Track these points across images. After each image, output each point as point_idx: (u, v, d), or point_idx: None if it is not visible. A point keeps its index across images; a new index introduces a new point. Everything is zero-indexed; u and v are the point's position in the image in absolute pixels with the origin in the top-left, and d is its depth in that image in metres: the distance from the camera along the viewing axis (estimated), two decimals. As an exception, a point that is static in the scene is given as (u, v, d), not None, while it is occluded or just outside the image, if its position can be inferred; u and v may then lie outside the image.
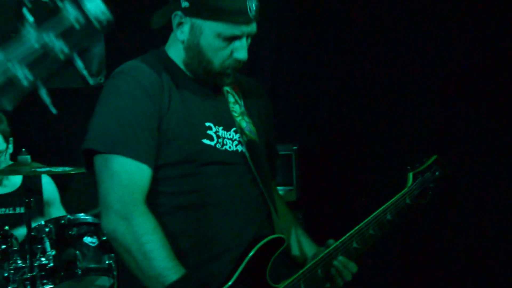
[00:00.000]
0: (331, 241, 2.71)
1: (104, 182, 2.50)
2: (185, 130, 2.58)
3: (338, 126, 5.12)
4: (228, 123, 2.70)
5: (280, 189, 4.66)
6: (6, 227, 3.91)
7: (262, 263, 2.58)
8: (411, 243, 4.63)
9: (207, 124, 2.63)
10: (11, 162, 4.49)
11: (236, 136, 2.70)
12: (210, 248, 2.59)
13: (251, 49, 2.64)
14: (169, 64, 2.66)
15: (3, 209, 4.54)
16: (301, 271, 2.65)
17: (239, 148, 2.70)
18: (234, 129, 2.71)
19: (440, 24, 4.39)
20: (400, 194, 2.84)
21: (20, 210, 4.46)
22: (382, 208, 2.78)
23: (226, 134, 2.68)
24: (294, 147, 4.91)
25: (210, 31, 2.55)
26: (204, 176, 2.60)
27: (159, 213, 2.51)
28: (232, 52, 2.58)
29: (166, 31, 2.71)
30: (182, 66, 2.67)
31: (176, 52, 2.68)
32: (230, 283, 2.50)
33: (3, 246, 3.80)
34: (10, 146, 4.54)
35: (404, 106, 4.63)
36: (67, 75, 5.33)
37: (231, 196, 2.64)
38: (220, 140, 2.64)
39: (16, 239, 3.86)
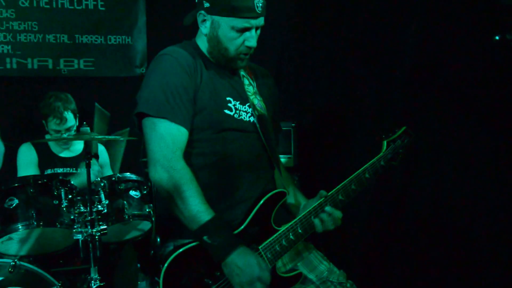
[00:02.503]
0: (323, 192, 2.76)
1: (152, 141, 2.56)
2: (212, 102, 2.65)
3: (328, 107, 5.15)
4: (243, 99, 2.77)
5: (282, 157, 4.85)
6: (72, 181, 3.97)
7: (268, 211, 2.68)
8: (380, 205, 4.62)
9: (228, 98, 2.70)
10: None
11: (250, 110, 2.77)
12: (228, 199, 2.66)
13: (259, 43, 2.72)
14: (198, 51, 2.74)
15: (69, 169, 4.65)
16: (297, 218, 2.70)
17: (252, 119, 2.76)
18: (248, 104, 2.78)
19: (409, 21, 4.36)
20: (376, 157, 2.88)
21: (78, 170, 4.56)
22: (361, 168, 2.83)
23: (242, 108, 2.74)
24: (293, 124, 5.01)
25: (226, 25, 2.65)
26: (224, 140, 2.66)
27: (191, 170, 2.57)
28: (244, 41, 2.66)
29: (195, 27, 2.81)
30: (207, 54, 2.74)
31: (202, 43, 2.76)
32: (242, 226, 2.61)
33: (70, 196, 3.88)
34: (77, 121, 4.63)
35: (380, 90, 4.63)
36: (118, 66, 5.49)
37: (245, 158, 2.70)
38: (237, 112, 2.71)
39: (75, 188, 3.94)
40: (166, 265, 2.47)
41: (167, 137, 2.54)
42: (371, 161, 2.87)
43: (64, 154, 4.74)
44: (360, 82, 4.82)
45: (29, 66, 5.26)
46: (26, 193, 3.76)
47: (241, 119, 2.72)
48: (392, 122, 4.22)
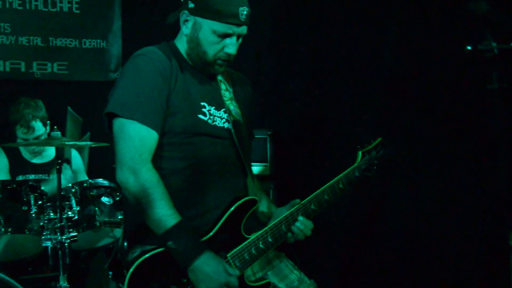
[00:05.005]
0: (295, 201, 2.73)
1: (120, 142, 2.51)
2: (185, 106, 2.59)
3: (305, 115, 5.08)
4: (219, 104, 2.71)
5: (257, 165, 4.85)
6: (43, 187, 3.93)
7: (238, 218, 2.61)
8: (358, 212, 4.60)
9: (202, 103, 2.64)
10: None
11: (225, 116, 2.71)
12: (198, 205, 2.60)
13: (238, 50, 2.66)
14: (176, 53, 2.67)
15: (41, 175, 4.56)
16: (268, 226, 2.66)
17: (226, 125, 2.69)
18: (223, 109, 2.72)
19: (386, 30, 4.36)
20: (350, 168, 2.84)
21: (50, 176, 4.51)
22: (335, 178, 2.79)
23: (217, 113, 2.68)
24: (269, 132, 4.94)
25: (207, 28, 2.58)
26: (196, 145, 2.60)
27: (160, 175, 2.50)
28: (223, 47, 2.60)
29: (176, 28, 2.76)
30: (185, 56, 2.68)
31: (181, 44, 2.69)
32: (211, 233, 2.54)
33: (40, 202, 3.83)
34: (48, 127, 4.55)
35: (356, 100, 4.60)
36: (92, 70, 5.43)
37: (217, 164, 2.64)
38: (211, 117, 2.65)
39: (46, 194, 3.88)
40: (131, 270, 2.42)
41: (135, 139, 2.49)
42: (345, 172, 2.84)
43: (36, 160, 4.67)
44: (338, 90, 4.78)
45: (1, 68, 5.20)
46: None
47: (215, 125, 2.67)
48: (369, 131, 4.23)
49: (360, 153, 2.92)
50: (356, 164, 2.87)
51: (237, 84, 2.91)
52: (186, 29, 2.66)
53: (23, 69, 5.25)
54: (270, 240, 2.65)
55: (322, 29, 4.87)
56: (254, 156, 4.53)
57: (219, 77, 2.80)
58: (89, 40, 5.42)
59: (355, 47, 4.61)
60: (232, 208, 2.60)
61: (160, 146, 2.57)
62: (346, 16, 4.67)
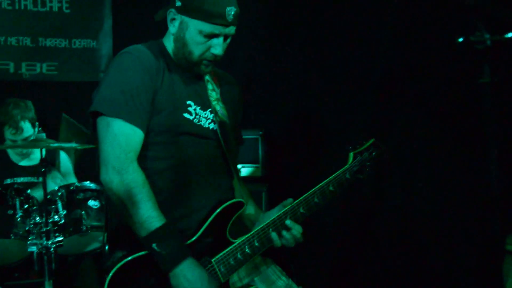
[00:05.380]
0: (289, 199, 2.68)
1: (105, 141, 2.47)
2: (171, 105, 2.56)
3: (297, 116, 5.07)
4: (205, 104, 2.69)
5: (248, 167, 4.82)
6: (28, 191, 3.87)
7: (223, 222, 2.57)
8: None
9: (188, 102, 2.62)
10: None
11: (211, 116, 2.68)
12: (183, 207, 2.57)
13: (229, 52, 2.65)
14: (164, 52, 2.65)
15: (30, 178, 4.50)
16: (254, 230, 2.61)
17: (211, 125, 2.67)
18: (209, 109, 2.69)
19: (380, 33, 4.38)
20: (341, 170, 2.78)
21: (39, 179, 4.38)
22: (325, 181, 2.73)
23: (202, 113, 2.66)
24: (260, 132, 4.89)
25: (193, 27, 2.55)
26: (181, 145, 2.58)
27: (144, 175, 2.47)
28: (210, 47, 2.58)
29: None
30: (172, 55, 2.66)
31: (169, 43, 2.66)
32: (195, 237, 2.50)
33: (26, 206, 3.77)
34: (36, 129, 4.48)
35: (350, 100, 4.61)
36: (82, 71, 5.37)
37: (203, 165, 2.62)
38: (197, 117, 2.63)
39: (36, 200, 3.82)
40: (111, 274, 2.38)
41: (121, 138, 2.46)
42: (335, 173, 2.78)
43: (24, 162, 4.60)
44: (331, 90, 4.78)
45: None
46: None
47: (201, 124, 2.64)
48: (362, 131, 4.21)
49: (351, 154, 2.85)
50: (347, 166, 2.81)
51: (225, 85, 2.88)
52: (173, 28, 2.63)
53: (11, 70, 5.19)
54: (256, 244, 2.59)
55: (314, 29, 4.88)
56: (245, 157, 4.78)
57: (206, 77, 2.77)
58: (79, 40, 5.35)
59: (347, 47, 4.63)
60: (218, 211, 2.56)
61: (144, 146, 2.54)
62: (337, 17, 4.68)
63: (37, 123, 4.51)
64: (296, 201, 2.67)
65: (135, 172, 2.44)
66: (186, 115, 2.60)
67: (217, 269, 2.51)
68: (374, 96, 4.38)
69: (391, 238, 4.28)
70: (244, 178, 4.58)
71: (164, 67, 2.60)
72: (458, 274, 3.95)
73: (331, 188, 2.73)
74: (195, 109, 2.63)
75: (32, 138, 4.44)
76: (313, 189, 2.72)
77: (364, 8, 4.44)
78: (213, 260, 2.52)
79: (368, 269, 4.40)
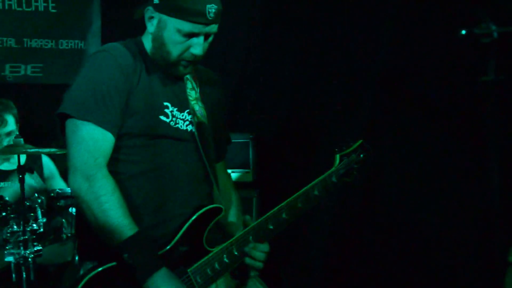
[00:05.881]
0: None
1: (73, 146, 2.40)
2: (146, 106, 2.49)
3: (289, 119, 5.03)
4: (183, 105, 2.61)
5: (238, 172, 4.75)
6: (6, 198, 3.79)
7: (200, 229, 2.49)
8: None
9: (165, 103, 2.54)
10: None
11: (189, 117, 2.61)
12: (158, 214, 2.50)
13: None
14: (142, 51, 2.57)
15: (9, 182, 4.39)
16: (233, 238, 2.54)
17: (189, 128, 2.59)
18: (187, 110, 2.61)
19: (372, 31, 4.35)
20: (327, 173, 2.70)
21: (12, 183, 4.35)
22: (310, 184, 2.65)
23: (179, 115, 2.58)
24: (251, 136, 4.84)
25: (172, 26, 2.47)
26: (157, 148, 2.51)
27: (117, 180, 2.41)
28: (189, 47, 2.50)
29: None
30: (150, 54, 2.58)
31: (147, 42, 2.59)
32: (169, 246, 2.43)
33: (3, 214, 3.69)
34: (18, 128, 4.40)
35: (344, 101, 4.56)
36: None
37: (179, 170, 2.55)
38: (174, 119, 2.55)
39: (10, 205, 3.75)
40: (79, 286, 2.31)
41: (89, 142, 2.39)
42: (321, 177, 2.69)
43: (4, 166, 4.46)
44: (323, 91, 4.72)
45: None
46: None
47: (177, 127, 2.55)
48: (349, 135, 4.16)
49: (338, 156, 2.77)
50: (333, 169, 2.73)
51: (205, 83, 2.78)
52: (151, 26, 2.55)
53: None
54: (235, 253, 2.51)
55: (306, 29, 4.83)
56: (235, 161, 4.67)
57: (186, 75, 2.67)
58: (67, 40, 5.25)
59: (341, 46, 4.56)
60: (193, 218, 2.47)
61: (117, 149, 2.47)
62: (330, 17, 4.65)
63: (19, 123, 4.43)
64: (278, 206, 2.60)
65: (104, 178, 2.37)
66: (162, 117, 2.52)
67: (193, 280, 2.43)
68: (370, 97, 4.34)
69: (389, 246, 4.23)
70: (234, 183, 4.59)
71: (141, 66, 2.53)
72: (460, 285, 3.91)
73: (315, 192, 2.65)
74: (172, 111, 2.56)
75: (15, 134, 4.30)
76: (297, 193, 2.64)
77: (358, 7, 4.42)
78: (189, 270, 2.43)
79: (362, 276, 4.37)
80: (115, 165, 2.45)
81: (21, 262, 3.52)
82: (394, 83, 4.12)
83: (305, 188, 2.64)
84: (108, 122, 2.41)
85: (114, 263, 2.33)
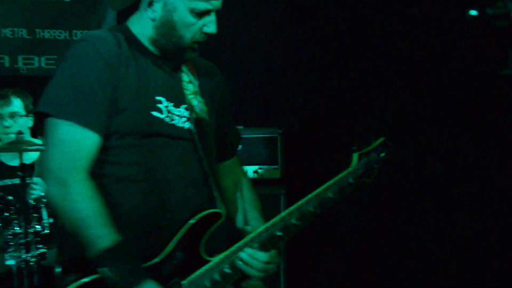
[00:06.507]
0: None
1: (50, 147, 2.26)
2: (137, 101, 2.32)
3: (319, 113, 4.99)
4: (179, 100, 2.43)
5: (265, 168, 4.71)
6: (10, 197, 3.71)
7: (196, 237, 2.34)
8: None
9: (158, 98, 2.36)
10: (31, 138, 4.31)
11: (186, 113, 2.43)
12: (150, 221, 2.33)
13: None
14: (131, 38, 2.39)
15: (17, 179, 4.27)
16: (236, 246, 2.34)
17: (187, 125, 2.41)
18: (184, 106, 2.43)
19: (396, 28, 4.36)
20: (343, 173, 2.48)
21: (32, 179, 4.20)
22: (323, 186, 2.43)
23: (176, 110, 2.40)
24: (279, 130, 4.74)
25: (184, 8, 2.31)
26: (150, 148, 2.34)
27: (104, 183, 2.26)
28: (202, 27, 2.35)
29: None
30: (145, 43, 2.40)
31: (141, 29, 2.40)
32: (161, 256, 2.28)
33: (6, 214, 3.64)
34: (30, 120, 4.36)
35: (375, 96, 4.51)
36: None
37: (174, 172, 2.36)
38: (169, 115, 2.38)
39: (14, 205, 3.70)
40: None
41: (67, 143, 2.23)
42: (336, 178, 2.47)
43: (15, 162, 4.27)
44: (354, 82, 4.65)
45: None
46: None
47: (173, 124, 2.37)
48: (372, 132, 4.12)
49: (356, 155, 2.55)
50: (350, 169, 2.50)
51: (204, 75, 2.59)
52: (152, 13, 2.35)
53: (7, 64, 5.13)
54: (239, 263, 2.32)
55: (336, 19, 4.83)
56: (262, 157, 4.70)
57: (182, 67, 2.50)
58: (81, 31, 5.21)
59: (370, 41, 4.57)
60: (188, 225, 2.31)
61: (104, 150, 2.29)
62: (356, 13, 4.68)
63: (31, 115, 4.36)
64: (286, 211, 2.37)
65: (81, 182, 2.21)
66: (155, 113, 2.34)
67: None
68: (401, 91, 4.32)
69: (412, 248, 4.25)
70: (262, 180, 4.64)
71: (129, 55, 2.35)
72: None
73: (329, 194, 2.43)
74: (166, 106, 2.38)
75: (19, 120, 4.32)
76: (309, 196, 2.42)
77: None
78: (183, 282, 2.29)
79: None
80: (101, 167, 2.29)
81: (23, 266, 3.45)
82: (420, 79, 4.12)
83: (317, 190, 2.44)
84: (91, 120, 2.23)
85: (98, 275, 2.19)
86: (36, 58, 5.16)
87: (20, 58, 5.13)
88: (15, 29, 5.11)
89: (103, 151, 2.28)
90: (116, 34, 2.37)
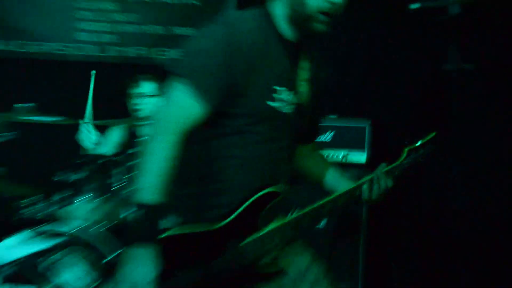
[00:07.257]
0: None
1: (164, 102, 2.34)
2: (255, 90, 2.35)
3: (414, 100, 4.94)
4: (292, 86, 2.45)
5: (353, 153, 4.72)
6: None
7: (255, 211, 2.41)
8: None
9: (274, 87, 2.38)
10: None
11: (294, 99, 2.46)
12: (243, 191, 2.42)
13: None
14: (267, 23, 2.38)
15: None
16: (292, 217, 2.45)
17: (290, 109, 2.45)
18: (293, 91, 2.46)
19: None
20: (389, 167, 2.54)
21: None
22: (360, 181, 2.51)
23: (286, 97, 2.43)
24: (369, 121, 4.76)
25: None
26: (256, 134, 2.41)
27: (209, 154, 2.39)
28: None
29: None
30: (281, 23, 2.40)
31: (278, 8, 2.39)
32: (226, 221, 2.39)
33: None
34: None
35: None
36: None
37: (267, 151, 2.45)
38: (281, 102, 2.41)
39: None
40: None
41: (178, 105, 2.30)
42: (386, 167, 2.56)
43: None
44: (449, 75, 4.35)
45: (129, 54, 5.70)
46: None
47: (280, 110, 2.42)
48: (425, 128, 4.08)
49: (406, 150, 2.58)
50: (397, 163, 2.56)
51: (316, 64, 2.60)
52: None
53: (145, 55, 5.68)
54: (289, 233, 2.44)
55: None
56: (351, 144, 4.74)
57: (305, 53, 2.53)
58: None
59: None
60: (250, 200, 2.41)
61: (215, 125, 2.39)
62: None
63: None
64: (306, 208, 2.47)
65: (169, 143, 2.26)
66: (270, 103, 2.39)
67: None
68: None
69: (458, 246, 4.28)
70: (349, 164, 4.68)
71: (259, 45, 2.33)
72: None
73: (358, 192, 2.53)
74: (280, 94, 2.40)
75: (146, 100, 4.66)
76: (341, 191, 2.52)
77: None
78: (242, 244, 2.38)
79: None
80: (203, 143, 2.40)
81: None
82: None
83: (352, 186, 2.51)
84: (207, 93, 2.27)
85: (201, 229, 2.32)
86: (168, 51, 5.64)
87: (154, 50, 5.64)
88: (153, 26, 5.66)
89: (211, 126, 2.36)
90: (257, 19, 2.35)
